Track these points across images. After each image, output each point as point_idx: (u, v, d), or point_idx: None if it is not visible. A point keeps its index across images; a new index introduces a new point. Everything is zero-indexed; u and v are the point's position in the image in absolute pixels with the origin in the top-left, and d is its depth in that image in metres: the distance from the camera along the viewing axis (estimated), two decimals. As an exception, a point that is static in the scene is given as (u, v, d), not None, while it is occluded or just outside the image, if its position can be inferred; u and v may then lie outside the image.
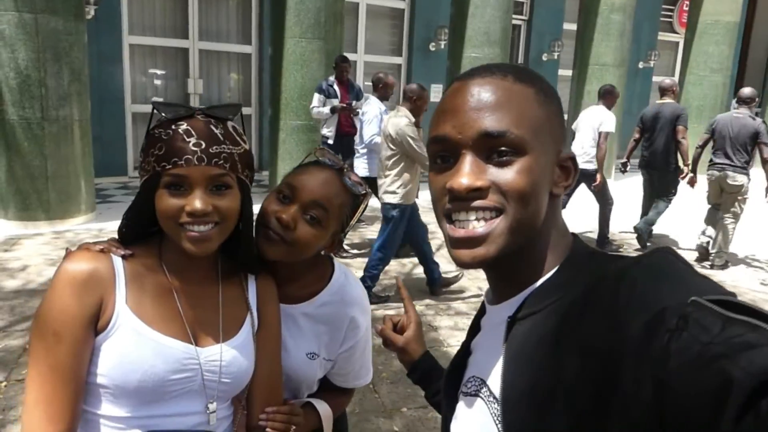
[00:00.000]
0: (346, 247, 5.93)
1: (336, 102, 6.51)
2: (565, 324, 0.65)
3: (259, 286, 1.19)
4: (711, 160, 5.93)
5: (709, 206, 6.10)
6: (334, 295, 1.31)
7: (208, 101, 9.12)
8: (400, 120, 4.32)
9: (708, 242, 6.01)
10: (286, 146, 7.28)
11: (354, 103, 6.56)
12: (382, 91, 5.58)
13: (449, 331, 4.09)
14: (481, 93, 0.70)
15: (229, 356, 1.08)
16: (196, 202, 0.97)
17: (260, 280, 1.20)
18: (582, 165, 5.81)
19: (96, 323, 0.99)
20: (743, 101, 5.85)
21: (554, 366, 0.63)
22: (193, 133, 0.99)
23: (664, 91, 6.25)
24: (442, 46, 10.58)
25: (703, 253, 6.02)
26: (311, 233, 1.18)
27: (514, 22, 10.72)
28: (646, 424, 0.53)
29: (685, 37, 12.10)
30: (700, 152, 6.14)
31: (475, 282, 5.04)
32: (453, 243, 0.72)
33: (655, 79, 13.46)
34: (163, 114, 1.01)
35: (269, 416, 1.16)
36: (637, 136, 6.48)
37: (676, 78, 12.93)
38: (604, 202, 6.17)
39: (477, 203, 0.68)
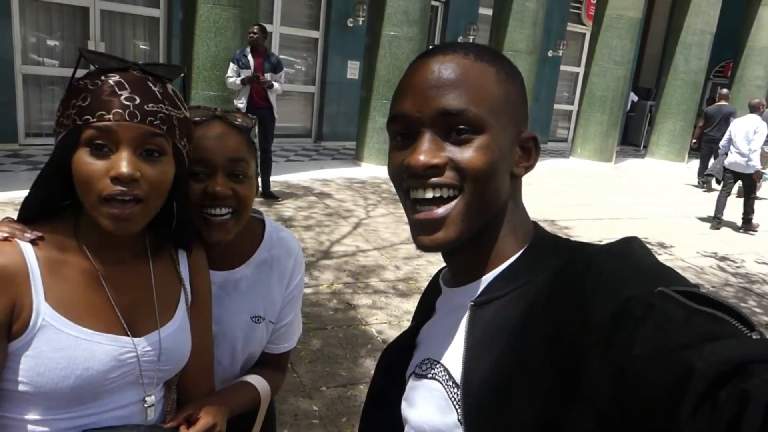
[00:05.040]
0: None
1: (249, 73, 6.27)
2: (530, 310, 0.65)
3: (191, 255, 1.06)
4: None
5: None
6: (272, 250, 1.28)
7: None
8: None
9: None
10: (197, 118, 6.93)
11: (269, 75, 6.34)
12: (761, 111, 7.97)
13: (368, 309, 4.07)
14: (441, 71, 0.69)
15: (168, 342, 0.96)
16: (123, 165, 0.81)
17: (192, 249, 1.08)
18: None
19: (9, 328, 0.83)
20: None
21: (519, 352, 0.64)
22: (126, 86, 0.84)
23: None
24: (360, 23, 10.44)
25: None
26: (247, 188, 1.16)
27: (433, 3, 10.73)
28: (608, 411, 0.53)
29: (591, 30, 12.65)
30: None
31: (392, 261, 5.04)
32: (414, 227, 0.72)
33: (562, 68, 14.03)
34: (92, 64, 0.86)
35: None
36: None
37: (582, 69, 13.55)
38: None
39: (434, 180, 0.68)
